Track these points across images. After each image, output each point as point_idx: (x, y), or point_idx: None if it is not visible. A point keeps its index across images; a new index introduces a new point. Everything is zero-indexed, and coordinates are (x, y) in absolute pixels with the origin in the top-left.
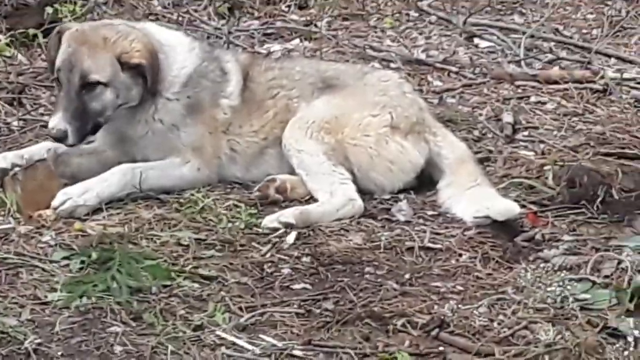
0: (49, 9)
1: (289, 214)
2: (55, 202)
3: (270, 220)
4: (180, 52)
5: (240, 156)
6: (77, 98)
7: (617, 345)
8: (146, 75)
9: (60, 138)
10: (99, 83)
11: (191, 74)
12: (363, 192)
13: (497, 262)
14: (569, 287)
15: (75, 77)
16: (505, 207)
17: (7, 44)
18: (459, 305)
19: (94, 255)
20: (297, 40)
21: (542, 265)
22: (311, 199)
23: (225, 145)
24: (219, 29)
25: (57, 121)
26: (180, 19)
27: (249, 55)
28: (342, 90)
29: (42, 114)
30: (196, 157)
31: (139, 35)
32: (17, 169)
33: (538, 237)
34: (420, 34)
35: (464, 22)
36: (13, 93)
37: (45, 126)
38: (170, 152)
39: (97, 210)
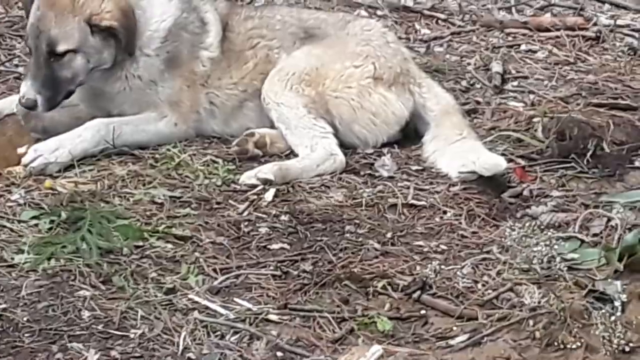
0: None
1: (267, 170)
2: (25, 159)
3: (248, 177)
4: (158, 4)
5: (219, 109)
6: (46, 66)
7: (604, 310)
8: (119, 37)
9: (30, 107)
10: (67, 51)
11: (170, 28)
12: (346, 147)
13: (482, 219)
14: (556, 246)
15: (43, 45)
16: (491, 162)
17: None
18: (442, 266)
19: (64, 215)
20: None
21: (528, 223)
22: (292, 154)
23: (204, 99)
24: None
25: (26, 89)
26: None
27: (228, 3)
28: (324, 40)
29: (16, 65)
30: (173, 112)
31: None
32: None
33: (526, 192)
34: None
35: None
36: None
37: (19, 78)
38: (147, 107)
39: (69, 166)
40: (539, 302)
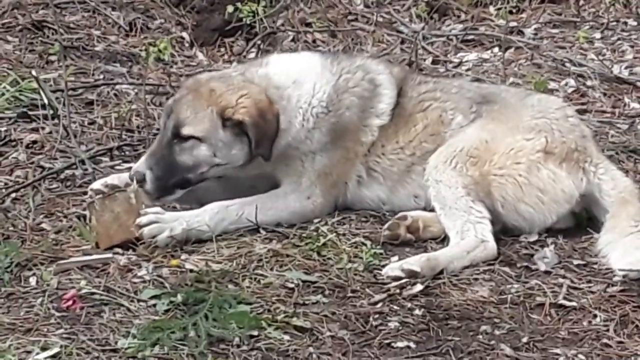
0: (230, 8)
1: (414, 262)
2: (142, 220)
3: (392, 268)
4: (306, 80)
5: (382, 176)
6: (167, 146)
7: None
8: (249, 134)
9: (138, 180)
10: (192, 137)
11: (329, 97)
12: (510, 231)
13: (635, 326)
14: None
15: (170, 124)
16: None
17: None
18: None
19: (179, 298)
20: (496, 49)
21: None
22: (446, 241)
23: (361, 168)
24: (416, 32)
25: (139, 163)
26: (379, 19)
27: (402, 68)
28: (498, 112)
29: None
30: (318, 184)
31: (253, 92)
32: (98, 196)
33: None
34: (632, 46)
35: None
36: None
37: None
38: (294, 175)
39: (207, 241)
40: None
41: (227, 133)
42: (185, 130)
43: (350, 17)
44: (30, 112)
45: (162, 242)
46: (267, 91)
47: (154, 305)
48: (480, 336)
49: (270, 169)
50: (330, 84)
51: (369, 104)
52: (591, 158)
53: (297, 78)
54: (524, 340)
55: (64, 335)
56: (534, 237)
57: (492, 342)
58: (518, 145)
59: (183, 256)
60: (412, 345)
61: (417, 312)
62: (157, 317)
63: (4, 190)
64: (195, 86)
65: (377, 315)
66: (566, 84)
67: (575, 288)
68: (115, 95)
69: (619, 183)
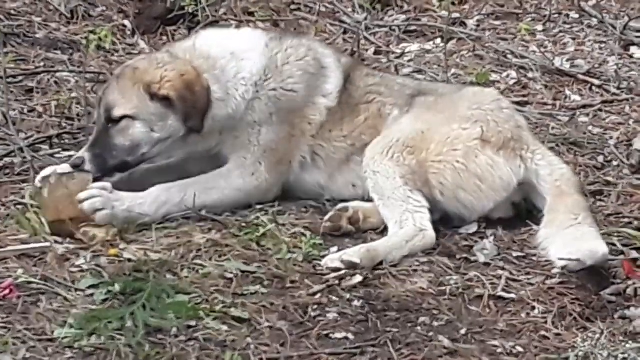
0: None
1: (353, 253)
2: (82, 195)
3: (331, 260)
4: (250, 52)
5: (324, 162)
6: (103, 132)
7: None
8: (176, 108)
9: (76, 165)
10: (124, 117)
11: (265, 67)
12: (449, 221)
13: (573, 318)
14: None
15: (102, 111)
16: (589, 249)
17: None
18: None
19: (117, 287)
20: (438, 40)
21: (617, 327)
22: (386, 231)
23: (306, 150)
24: (359, 23)
25: (79, 153)
26: (322, 9)
27: (350, 58)
28: (433, 102)
29: None
30: (263, 160)
31: (178, 65)
32: (57, 171)
33: (629, 291)
34: (574, 39)
35: (624, 28)
36: None
37: None
38: (241, 149)
39: (144, 231)
40: None
41: (156, 105)
42: (116, 112)
43: (293, 7)
44: None
45: (101, 220)
46: (192, 62)
47: (92, 294)
48: (419, 327)
49: (215, 144)
50: (268, 56)
51: (315, 82)
52: (528, 146)
53: (235, 50)
54: (463, 331)
55: (0, 325)
56: (474, 229)
57: (431, 333)
58: (454, 134)
59: (122, 245)
60: (351, 336)
61: (355, 303)
62: (94, 307)
63: None
64: (120, 71)
65: (315, 306)
66: (508, 76)
67: (514, 280)
68: (56, 83)
69: (556, 169)
